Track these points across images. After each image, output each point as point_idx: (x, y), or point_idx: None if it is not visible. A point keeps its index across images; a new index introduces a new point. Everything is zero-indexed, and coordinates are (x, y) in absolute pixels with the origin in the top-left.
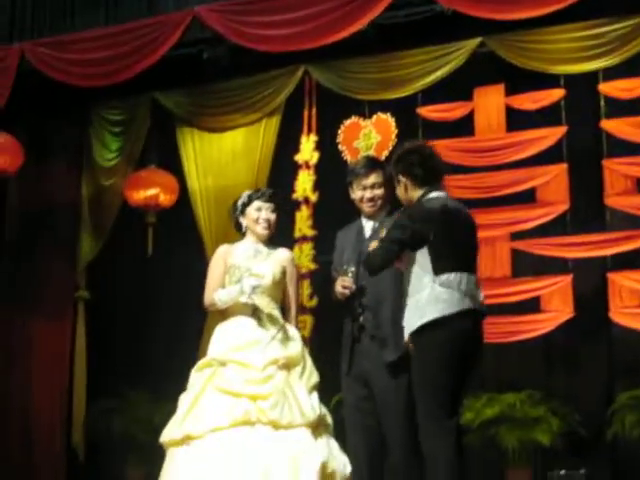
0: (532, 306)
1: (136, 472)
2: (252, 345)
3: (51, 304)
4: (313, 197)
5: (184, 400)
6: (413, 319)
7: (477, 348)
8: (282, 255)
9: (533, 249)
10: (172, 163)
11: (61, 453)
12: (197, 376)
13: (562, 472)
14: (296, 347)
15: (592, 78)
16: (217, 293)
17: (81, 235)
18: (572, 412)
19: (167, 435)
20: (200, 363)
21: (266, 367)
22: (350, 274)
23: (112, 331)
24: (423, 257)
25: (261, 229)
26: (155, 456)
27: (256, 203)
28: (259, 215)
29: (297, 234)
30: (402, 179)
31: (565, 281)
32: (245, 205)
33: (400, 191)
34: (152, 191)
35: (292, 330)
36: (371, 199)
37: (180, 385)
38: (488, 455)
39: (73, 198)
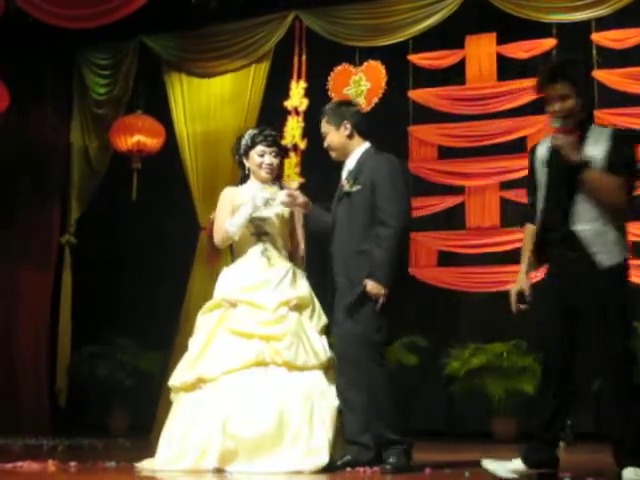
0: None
1: (119, 421)
2: (262, 285)
3: (37, 249)
4: (302, 144)
5: (194, 343)
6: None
7: None
8: None
9: (523, 199)
10: (160, 108)
11: (46, 399)
12: (206, 318)
13: None
14: (305, 288)
15: (584, 28)
16: (227, 222)
17: (71, 181)
18: None
19: (178, 379)
20: (208, 305)
21: (278, 308)
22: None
23: (99, 277)
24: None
25: (264, 173)
26: (139, 404)
27: (259, 147)
28: (262, 160)
29: (285, 180)
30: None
31: None
32: (248, 148)
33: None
34: (137, 137)
35: (299, 272)
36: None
37: (167, 332)
38: (474, 404)
39: (60, 142)
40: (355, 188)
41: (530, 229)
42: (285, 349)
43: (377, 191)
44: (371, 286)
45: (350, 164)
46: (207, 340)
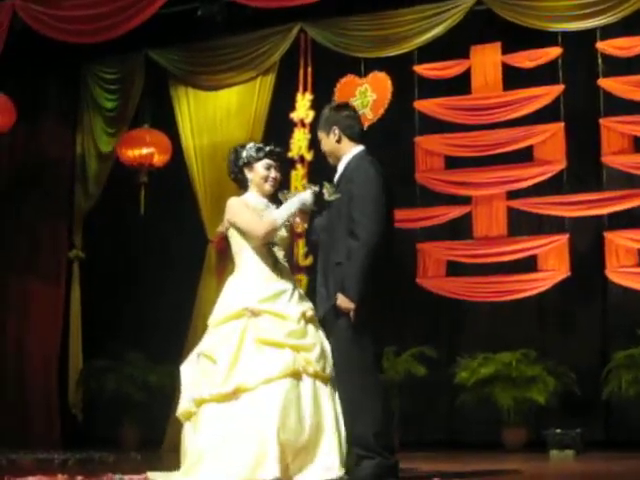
0: (528, 265)
1: (130, 435)
2: (280, 296)
3: (45, 264)
4: (308, 156)
5: (222, 353)
6: None
7: None
8: None
9: (530, 208)
10: (166, 122)
11: (57, 413)
12: (225, 328)
13: (557, 431)
14: (310, 302)
15: (589, 36)
16: (273, 213)
17: (76, 194)
18: (567, 371)
19: (207, 390)
20: (226, 315)
21: (300, 319)
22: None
23: (107, 291)
24: None
25: (269, 187)
26: (150, 417)
27: (266, 160)
28: (268, 174)
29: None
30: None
31: (561, 240)
32: (254, 159)
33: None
34: (145, 150)
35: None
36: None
37: (175, 345)
38: (483, 414)
39: (66, 157)
40: (334, 197)
41: None
42: (315, 360)
43: (352, 201)
44: (340, 300)
45: (340, 170)
46: (237, 350)
